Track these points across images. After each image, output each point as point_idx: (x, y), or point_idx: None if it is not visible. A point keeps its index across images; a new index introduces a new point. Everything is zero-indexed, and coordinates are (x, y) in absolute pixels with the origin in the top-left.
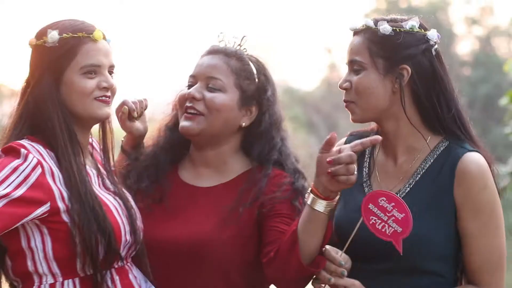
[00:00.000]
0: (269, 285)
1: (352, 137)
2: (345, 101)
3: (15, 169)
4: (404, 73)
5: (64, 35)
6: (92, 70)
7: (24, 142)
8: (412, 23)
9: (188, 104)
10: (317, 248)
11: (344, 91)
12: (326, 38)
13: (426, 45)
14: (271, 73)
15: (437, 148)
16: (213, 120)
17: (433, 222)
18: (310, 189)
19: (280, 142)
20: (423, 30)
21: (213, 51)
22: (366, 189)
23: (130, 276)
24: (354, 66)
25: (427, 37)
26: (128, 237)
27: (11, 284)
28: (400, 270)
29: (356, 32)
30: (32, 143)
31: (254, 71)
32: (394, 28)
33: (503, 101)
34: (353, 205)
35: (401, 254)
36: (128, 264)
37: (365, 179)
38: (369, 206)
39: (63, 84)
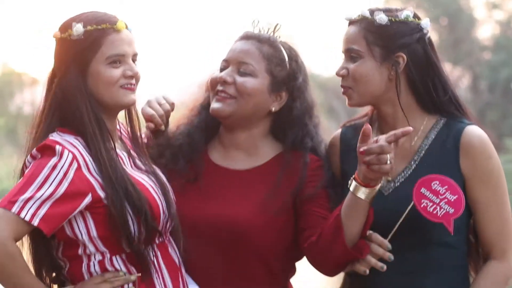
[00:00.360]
0: (295, 272)
1: (346, 128)
2: (342, 86)
3: (53, 168)
4: (400, 61)
5: (89, 27)
6: (117, 60)
7: (57, 137)
8: (407, 13)
9: (219, 87)
10: (358, 233)
11: (341, 78)
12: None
13: (420, 34)
14: (304, 60)
15: (436, 125)
16: (243, 103)
17: None
18: (353, 176)
19: (313, 129)
20: (417, 20)
21: (246, 37)
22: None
23: (170, 250)
24: (351, 54)
25: (420, 26)
26: (165, 211)
27: (49, 265)
28: (414, 245)
29: (351, 22)
30: (64, 136)
31: (286, 57)
32: (390, 18)
33: None
34: None
35: (452, 234)
36: (167, 239)
37: None
38: (421, 191)
39: (89, 75)
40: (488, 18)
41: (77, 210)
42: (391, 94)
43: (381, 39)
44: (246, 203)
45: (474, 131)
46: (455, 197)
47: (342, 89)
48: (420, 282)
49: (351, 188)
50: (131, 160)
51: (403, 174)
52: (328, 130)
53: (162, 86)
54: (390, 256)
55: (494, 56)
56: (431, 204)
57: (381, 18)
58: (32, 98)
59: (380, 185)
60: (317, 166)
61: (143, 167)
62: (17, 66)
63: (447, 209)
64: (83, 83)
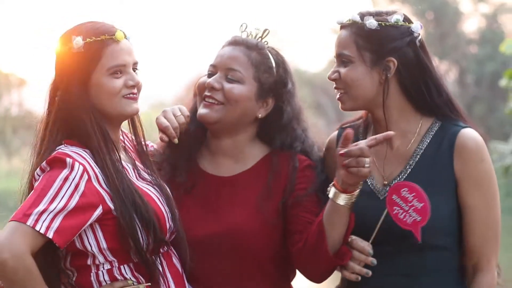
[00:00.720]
0: (295, 274)
1: (342, 130)
2: (335, 88)
3: (65, 180)
4: (390, 65)
5: (88, 39)
6: (118, 70)
7: (66, 149)
8: (397, 17)
9: (207, 93)
10: (340, 239)
11: (334, 81)
12: (333, 19)
13: (410, 37)
14: (290, 65)
15: (431, 128)
16: (230, 110)
17: (437, 199)
18: (332, 183)
19: (302, 133)
20: (407, 23)
21: (234, 42)
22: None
23: (174, 259)
24: (342, 59)
25: (411, 30)
26: (171, 223)
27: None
28: (408, 249)
29: (342, 26)
30: (72, 148)
31: (274, 64)
32: (380, 22)
33: (503, 82)
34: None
35: (419, 241)
36: (170, 248)
37: None
38: (393, 197)
39: (91, 87)
40: (474, 12)
41: (89, 222)
42: (391, 98)
43: (371, 44)
44: (238, 210)
45: (469, 134)
46: (421, 205)
47: (337, 94)
48: (416, 284)
49: (331, 195)
50: (136, 171)
51: (398, 178)
52: (316, 127)
53: (162, 85)
54: (373, 260)
55: (480, 50)
56: (401, 211)
57: (371, 23)
58: (20, 99)
59: (358, 191)
60: (305, 166)
61: (148, 177)
62: (4, 67)
63: (415, 217)
64: (85, 95)
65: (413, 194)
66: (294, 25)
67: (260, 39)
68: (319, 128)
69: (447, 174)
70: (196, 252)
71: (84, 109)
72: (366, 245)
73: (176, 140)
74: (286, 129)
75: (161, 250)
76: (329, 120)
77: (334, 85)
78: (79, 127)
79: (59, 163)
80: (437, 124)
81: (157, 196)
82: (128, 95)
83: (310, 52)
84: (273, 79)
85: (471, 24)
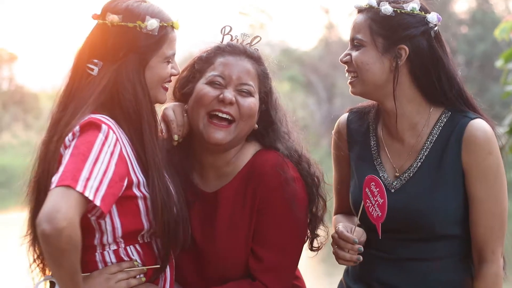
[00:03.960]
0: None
1: (352, 113)
2: (347, 71)
3: (102, 145)
4: (402, 53)
5: (161, 23)
6: (171, 58)
7: (101, 117)
8: (413, 5)
9: (221, 108)
10: None
11: (345, 65)
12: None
13: (425, 27)
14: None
15: (441, 119)
16: (243, 126)
17: (446, 191)
18: None
19: (286, 135)
20: (423, 13)
21: (236, 52)
22: (377, 167)
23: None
24: (355, 42)
25: (427, 20)
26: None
27: None
28: (419, 238)
29: (360, 10)
30: (103, 116)
31: (269, 74)
32: (395, 9)
33: (499, 63)
34: (362, 184)
35: (379, 237)
36: None
37: (375, 157)
38: (366, 190)
39: (147, 68)
40: None
41: (122, 191)
42: (401, 87)
43: (384, 29)
44: (219, 227)
45: (477, 126)
46: (382, 201)
47: (348, 77)
48: (425, 268)
49: None
50: None
51: (409, 172)
52: (306, 104)
53: None
54: (360, 248)
55: (470, 31)
56: (370, 204)
57: (386, 9)
58: (10, 74)
59: None
60: (272, 189)
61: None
62: None
63: (378, 212)
64: (143, 75)
65: (377, 189)
66: (285, 3)
67: (248, 44)
68: (310, 107)
69: (456, 166)
70: (179, 261)
71: (141, 88)
72: (352, 232)
73: (176, 137)
74: (272, 131)
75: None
76: (319, 99)
77: (346, 68)
78: (132, 103)
79: (94, 127)
80: (446, 115)
81: (170, 183)
82: (165, 85)
83: (300, 30)
84: (267, 88)
85: (462, 5)
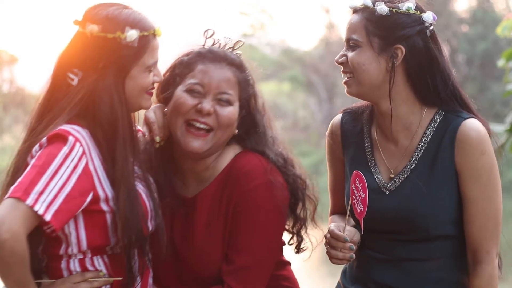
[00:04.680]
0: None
1: (346, 114)
2: (343, 72)
3: (65, 158)
4: (398, 53)
5: (141, 33)
6: (153, 67)
7: (69, 127)
8: (409, 4)
9: (199, 118)
10: None
11: (341, 65)
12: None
13: (421, 27)
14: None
15: (434, 120)
16: (221, 135)
17: (441, 192)
18: None
19: (270, 139)
20: (419, 12)
21: (217, 58)
22: (371, 168)
23: (146, 258)
24: (351, 43)
25: (422, 19)
26: (153, 222)
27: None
28: (415, 238)
29: (355, 10)
30: (73, 126)
31: (250, 78)
32: (391, 8)
33: (500, 62)
34: None
35: (362, 233)
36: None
37: (369, 158)
38: (352, 187)
39: (128, 78)
40: None
41: (82, 207)
42: (396, 88)
43: (380, 29)
44: (197, 232)
45: (470, 125)
46: (364, 195)
47: (343, 78)
48: (422, 269)
49: None
50: None
51: (403, 174)
52: (306, 104)
53: None
54: (351, 246)
55: (471, 29)
56: (355, 200)
57: (382, 8)
58: (11, 76)
59: None
60: (248, 191)
61: (138, 172)
62: None
63: (361, 207)
64: (122, 86)
65: (361, 184)
66: (285, 2)
67: (231, 49)
68: (310, 106)
69: (449, 166)
70: (159, 268)
71: (118, 100)
72: (341, 234)
73: (158, 139)
74: (256, 134)
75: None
76: (320, 99)
77: (342, 69)
78: (108, 116)
79: (60, 139)
80: (439, 115)
81: (145, 193)
82: (150, 91)
83: (301, 30)
84: (248, 94)
85: (463, 3)
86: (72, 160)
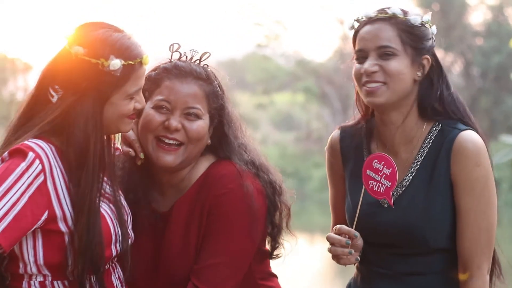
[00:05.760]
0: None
1: (344, 130)
2: (373, 81)
3: (20, 176)
4: (425, 63)
5: (125, 62)
6: (135, 94)
7: (32, 143)
8: (428, 17)
9: (168, 134)
10: None
11: (365, 75)
12: (338, 9)
13: (432, 39)
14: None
15: (431, 132)
16: (191, 149)
17: (438, 205)
18: None
19: (240, 148)
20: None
21: (183, 74)
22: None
23: (113, 277)
24: (387, 51)
25: (432, 31)
26: (118, 247)
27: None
28: (415, 252)
29: (377, 19)
30: (38, 141)
31: (219, 89)
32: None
33: None
34: (357, 198)
35: (392, 207)
36: (112, 265)
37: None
38: (367, 173)
39: (108, 104)
40: (480, 4)
41: (36, 226)
42: (409, 98)
43: (412, 39)
44: (173, 246)
45: (466, 137)
46: (389, 170)
47: (368, 87)
48: (424, 283)
49: None
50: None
51: (401, 187)
52: (320, 115)
53: None
54: (350, 251)
55: (486, 42)
56: (375, 183)
57: (415, 19)
58: (25, 84)
59: None
60: (221, 194)
61: (108, 191)
62: (10, 52)
63: (386, 184)
64: (99, 113)
65: (382, 163)
66: (300, 14)
67: (198, 61)
68: (324, 118)
69: (445, 178)
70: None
71: (93, 126)
72: (351, 229)
73: (142, 155)
74: (226, 144)
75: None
76: (334, 110)
77: (366, 79)
78: (79, 141)
79: (20, 155)
80: (437, 128)
81: (110, 217)
82: (131, 116)
83: (315, 41)
84: (217, 105)
85: (477, 16)
86: (28, 177)
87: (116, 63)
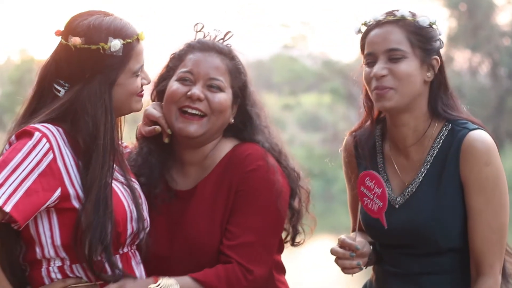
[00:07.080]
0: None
1: (357, 137)
2: (382, 87)
3: (28, 153)
4: (434, 64)
5: (124, 41)
6: (140, 71)
7: (38, 125)
8: (434, 17)
9: (191, 104)
10: None
11: (375, 79)
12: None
13: (440, 39)
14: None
15: (442, 132)
16: (214, 121)
17: (448, 204)
18: None
19: (265, 129)
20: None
21: (206, 48)
22: (384, 184)
23: (133, 262)
24: (396, 54)
25: (439, 33)
26: (134, 225)
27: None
28: (427, 252)
29: (385, 22)
30: (45, 124)
31: (242, 68)
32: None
33: None
34: None
35: (386, 227)
36: (132, 251)
37: (381, 174)
38: (361, 189)
39: (116, 86)
40: (508, 4)
41: (48, 203)
42: (420, 100)
43: (421, 41)
44: (201, 224)
45: (476, 136)
46: (380, 190)
47: (379, 91)
48: (437, 282)
49: None
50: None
51: (412, 187)
52: (347, 116)
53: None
54: (358, 262)
55: None
56: (369, 200)
57: (424, 20)
58: (31, 97)
59: None
60: (250, 170)
61: (120, 178)
62: (37, 53)
63: (378, 204)
64: (109, 95)
65: (373, 181)
66: (326, 15)
67: (222, 41)
68: (351, 119)
69: (455, 178)
70: (157, 262)
71: (102, 109)
72: (352, 242)
73: (169, 131)
74: (250, 125)
75: (120, 251)
76: (360, 111)
77: (376, 83)
78: (87, 123)
79: (26, 135)
80: (447, 128)
81: (125, 196)
82: (140, 93)
83: (342, 42)
84: (241, 83)
85: (505, 17)
86: (36, 155)
87: (116, 44)
